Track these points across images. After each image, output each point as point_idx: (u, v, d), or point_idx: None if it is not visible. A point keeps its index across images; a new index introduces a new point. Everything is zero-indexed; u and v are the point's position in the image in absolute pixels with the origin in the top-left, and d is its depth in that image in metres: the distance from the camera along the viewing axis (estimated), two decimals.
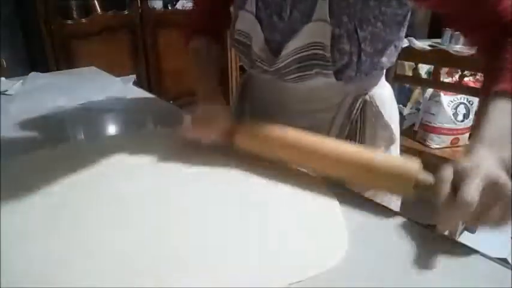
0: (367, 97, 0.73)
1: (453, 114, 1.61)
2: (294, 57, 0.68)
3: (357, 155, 0.59)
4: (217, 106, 0.74)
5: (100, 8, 2.56)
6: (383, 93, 0.76)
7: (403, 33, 0.72)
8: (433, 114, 1.63)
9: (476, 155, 0.50)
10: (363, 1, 0.63)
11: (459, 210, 0.44)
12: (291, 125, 0.69)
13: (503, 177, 0.46)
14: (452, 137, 1.65)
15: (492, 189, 0.45)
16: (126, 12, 2.65)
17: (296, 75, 0.70)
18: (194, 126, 0.71)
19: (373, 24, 0.65)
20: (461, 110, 1.62)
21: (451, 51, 1.50)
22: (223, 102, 0.76)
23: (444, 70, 1.59)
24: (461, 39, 2.27)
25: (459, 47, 2.23)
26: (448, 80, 1.62)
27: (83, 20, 2.48)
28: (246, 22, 0.73)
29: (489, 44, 0.63)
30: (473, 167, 0.46)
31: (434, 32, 3.24)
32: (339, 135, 0.74)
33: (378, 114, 0.74)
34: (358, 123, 0.74)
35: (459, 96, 1.60)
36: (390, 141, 0.77)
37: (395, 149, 0.80)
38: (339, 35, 0.64)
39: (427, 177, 0.53)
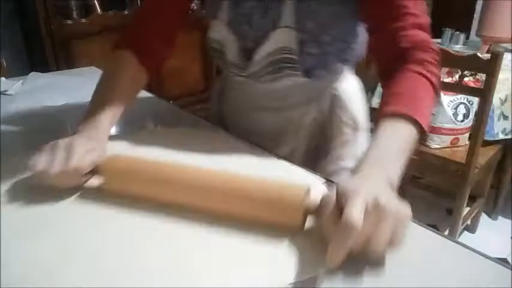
0: (335, 91, 0.80)
1: (453, 114, 1.61)
2: (265, 62, 0.73)
3: (235, 185, 0.52)
4: (82, 139, 0.59)
5: (100, 8, 2.56)
6: (350, 87, 0.82)
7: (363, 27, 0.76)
8: (433, 114, 1.63)
9: (359, 175, 0.48)
10: (325, 7, 0.68)
11: (345, 234, 0.40)
12: (266, 122, 0.79)
13: (383, 197, 0.43)
14: (452, 137, 1.65)
15: (375, 209, 0.42)
16: (126, 12, 2.65)
17: (268, 77, 0.75)
18: (41, 165, 0.55)
19: (336, 27, 0.70)
20: (461, 110, 1.61)
21: (451, 51, 1.50)
22: (101, 136, 0.64)
23: (444, 70, 1.59)
24: (461, 39, 2.27)
25: (459, 47, 2.23)
26: (448, 80, 1.62)
27: (83, 20, 2.48)
28: (219, 31, 0.76)
29: (387, 68, 0.65)
30: (355, 187, 0.43)
31: (434, 32, 3.25)
32: (311, 127, 0.81)
33: (345, 106, 0.80)
34: (328, 116, 0.80)
35: (459, 96, 1.59)
36: (355, 130, 0.82)
37: (362, 136, 0.84)
38: (304, 39, 0.70)
39: (313, 203, 0.48)
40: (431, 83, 0.61)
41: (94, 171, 0.58)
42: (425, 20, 0.65)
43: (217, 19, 0.76)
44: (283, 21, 0.69)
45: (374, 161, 0.51)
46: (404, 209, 0.44)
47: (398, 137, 0.54)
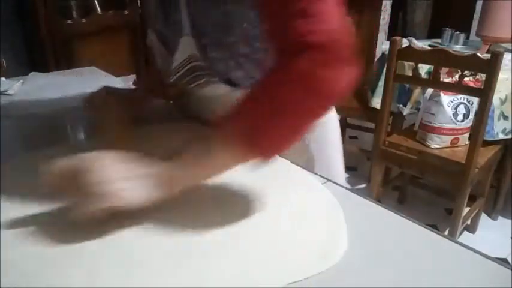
0: None
1: (453, 114, 1.61)
2: (183, 70, 0.71)
3: None
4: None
5: (100, 8, 2.56)
6: None
7: None
8: (433, 114, 1.63)
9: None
10: (217, 8, 0.63)
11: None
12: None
13: (86, 163, 0.46)
14: (452, 137, 1.65)
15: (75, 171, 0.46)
16: (126, 12, 2.65)
17: (193, 84, 0.73)
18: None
19: (239, 27, 0.65)
20: (461, 110, 1.61)
21: (451, 51, 1.50)
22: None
23: (444, 70, 1.59)
24: (461, 39, 2.27)
25: (459, 47, 2.23)
26: (448, 80, 1.62)
27: (83, 20, 2.48)
28: (151, 38, 0.76)
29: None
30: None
31: (434, 32, 3.25)
32: None
33: None
34: None
35: (459, 96, 1.59)
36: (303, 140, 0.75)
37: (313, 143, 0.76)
38: (205, 44, 0.67)
39: None
40: (315, 92, 0.49)
41: None
42: (333, 8, 0.50)
43: (150, 27, 0.76)
44: (184, 29, 0.67)
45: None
46: (114, 188, 0.46)
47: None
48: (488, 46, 2.07)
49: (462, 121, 1.63)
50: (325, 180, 0.63)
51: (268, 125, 0.48)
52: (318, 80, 0.48)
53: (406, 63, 1.69)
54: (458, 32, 2.28)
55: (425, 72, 1.74)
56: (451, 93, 1.59)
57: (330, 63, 0.49)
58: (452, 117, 1.61)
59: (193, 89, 0.74)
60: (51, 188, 0.48)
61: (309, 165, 0.72)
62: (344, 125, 2.50)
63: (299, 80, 0.48)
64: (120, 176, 0.47)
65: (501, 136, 1.71)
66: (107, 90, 0.78)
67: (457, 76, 1.56)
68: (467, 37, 2.46)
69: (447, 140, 1.65)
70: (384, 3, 3.44)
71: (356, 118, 2.36)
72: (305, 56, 0.48)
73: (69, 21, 2.42)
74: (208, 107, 0.78)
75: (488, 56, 1.41)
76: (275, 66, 0.51)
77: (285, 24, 0.50)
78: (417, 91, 1.87)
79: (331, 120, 0.80)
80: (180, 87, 0.77)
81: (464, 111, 1.62)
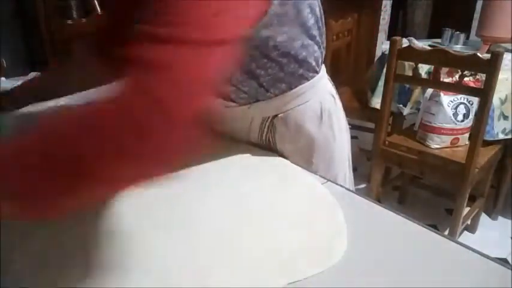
0: (277, 117, 0.70)
1: (453, 114, 1.61)
2: None
3: None
4: None
5: (100, 8, 2.56)
6: (301, 110, 0.70)
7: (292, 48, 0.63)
8: (433, 114, 1.63)
9: None
10: None
11: None
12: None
13: None
14: (452, 137, 1.65)
15: None
16: None
17: None
18: None
19: None
20: (461, 110, 1.61)
21: (451, 51, 1.50)
22: None
23: (444, 70, 1.59)
24: (461, 39, 2.27)
25: (459, 47, 2.23)
26: (448, 80, 1.62)
27: (83, 20, 2.48)
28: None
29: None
30: None
31: (434, 32, 3.25)
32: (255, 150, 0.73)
33: (293, 132, 0.70)
34: (271, 142, 0.73)
35: (459, 96, 1.59)
36: (309, 156, 0.72)
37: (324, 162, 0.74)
38: None
39: None
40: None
41: None
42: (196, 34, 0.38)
43: None
44: None
45: None
46: None
47: None
48: (488, 46, 2.07)
49: (462, 121, 1.63)
50: (325, 180, 0.63)
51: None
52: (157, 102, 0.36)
53: (406, 63, 1.69)
54: (458, 32, 2.28)
55: (425, 72, 1.74)
56: (451, 93, 1.59)
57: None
58: (452, 117, 1.61)
59: None
60: None
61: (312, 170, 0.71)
62: None
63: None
64: None
65: (501, 136, 1.71)
66: None
67: (457, 76, 1.56)
68: (467, 37, 2.46)
69: (447, 140, 1.65)
70: (383, 3, 3.44)
71: (356, 118, 2.36)
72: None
73: (69, 21, 2.42)
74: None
75: (488, 56, 1.41)
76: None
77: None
78: (417, 91, 1.86)
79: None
80: None
81: (464, 111, 1.62)
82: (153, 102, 0.36)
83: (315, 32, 0.65)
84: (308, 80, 0.68)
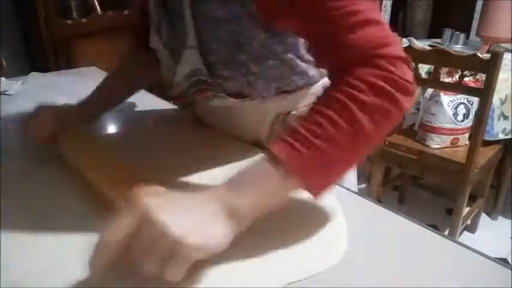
0: (290, 115, 0.71)
1: (453, 114, 1.61)
2: (186, 83, 0.67)
3: None
4: (56, 108, 0.72)
5: (100, 8, 2.56)
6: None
7: (297, 47, 0.65)
8: (433, 114, 1.63)
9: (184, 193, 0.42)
10: (226, 25, 0.59)
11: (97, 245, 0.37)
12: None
13: (170, 216, 0.37)
14: (452, 137, 1.65)
15: (145, 226, 0.37)
16: (126, 12, 2.65)
17: (198, 97, 0.71)
18: (26, 124, 0.69)
19: (248, 46, 0.61)
20: (461, 110, 1.61)
21: (451, 51, 1.50)
22: (72, 111, 0.72)
23: (444, 70, 1.59)
24: (461, 39, 2.27)
25: (459, 47, 2.23)
26: (448, 80, 1.62)
27: (83, 20, 2.48)
28: (155, 40, 0.70)
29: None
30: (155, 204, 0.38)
31: (434, 32, 3.25)
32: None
33: None
34: None
35: (459, 96, 1.59)
36: None
37: None
38: (212, 62, 0.63)
39: None
40: (392, 110, 0.44)
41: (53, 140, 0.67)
42: (375, 15, 0.46)
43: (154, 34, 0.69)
44: (189, 41, 0.62)
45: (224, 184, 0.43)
46: (195, 241, 0.37)
47: (267, 180, 0.43)
48: (488, 46, 2.07)
49: (462, 121, 1.63)
50: None
51: (340, 157, 0.44)
52: (393, 96, 0.44)
53: None
54: (458, 32, 2.28)
55: (425, 72, 1.74)
56: (451, 93, 1.59)
57: (403, 81, 0.44)
58: (452, 117, 1.61)
59: (200, 99, 0.72)
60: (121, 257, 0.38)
61: None
62: None
63: (376, 94, 0.43)
64: (191, 222, 0.38)
65: (501, 136, 1.71)
66: (41, 109, 0.71)
67: (457, 76, 1.56)
68: (467, 37, 2.46)
69: (447, 140, 1.65)
70: (384, 3, 3.44)
71: None
72: (378, 68, 0.44)
73: (69, 21, 2.42)
74: (218, 117, 0.78)
75: (488, 56, 1.41)
76: (337, 85, 0.45)
77: (343, 39, 0.45)
78: (417, 91, 1.87)
79: None
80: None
81: (464, 111, 1.62)
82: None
83: None
84: (322, 78, 0.71)
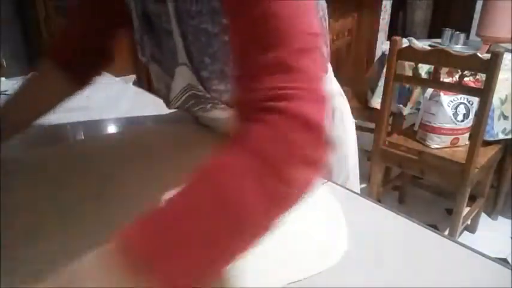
0: None
1: (453, 114, 1.61)
2: (182, 98, 0.66)
3: None
4: None
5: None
6: None
7: None
8: (433, 114, 1.63)
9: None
10: (215, 39, 0.56)
11: None
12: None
13: None
14: (452, 137, 1.65)
15: None
16: None
17: (196, 108, 0.68)
18: None
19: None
20: (461, 110, 1.61)
21: (451, 51, 1.50)
22: None
23: (444, 70, 1.59)
24: (461, 39, 2.27)
25: (459, 47, 2.23)
26: (448, 80, 1.62)
27: None
28: (146, 58, 0.69)
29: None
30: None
31: (434, 32, 3.25)
32: None
33: None
34: None
35: (459, 96, 1.59)
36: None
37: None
38: (207, 77, 0.61)
39: None
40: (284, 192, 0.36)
41: None
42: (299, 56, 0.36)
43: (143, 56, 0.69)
44: (180, 58, 0.61)
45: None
46: None
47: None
48: (488, 46, 2.07)
49: (462, 121, 1.63)
50: (325, 180, 0.63)
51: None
52: (290, 165, 0.35)
53: (406, 63, 1.69)
54: (458, 32, 2.28)
55: (425, 72, 1.74)
56: (451, 93, 1.59)
57: (312, 143, 0.36)
58: (452, 117, 1.61)
59: (198, 112, 0.71)
60: None
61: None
62: None
63: (258, 167, 0.34)
64: None
65: (501, 136, 1.71)
66: None
67: (457, 76, 1.56)
68: (467, 37, 2.46)
69: (447, 140, 1.65)
70: (384, 3, 3.44)
71: (356, 118, 2.36)
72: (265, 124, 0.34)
73: None
74: (219, 125, 0.77)
75: (488, 56, 1.41)
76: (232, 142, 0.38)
77: (254, 76, 0.36)
78: (417, 91, 1.87)
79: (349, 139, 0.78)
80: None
81: (464, 111, 1.62)
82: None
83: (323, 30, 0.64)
84: None
